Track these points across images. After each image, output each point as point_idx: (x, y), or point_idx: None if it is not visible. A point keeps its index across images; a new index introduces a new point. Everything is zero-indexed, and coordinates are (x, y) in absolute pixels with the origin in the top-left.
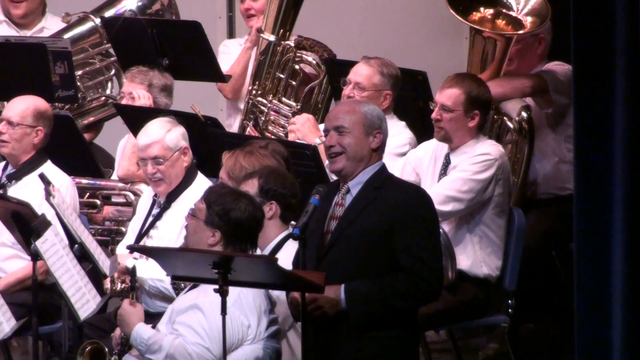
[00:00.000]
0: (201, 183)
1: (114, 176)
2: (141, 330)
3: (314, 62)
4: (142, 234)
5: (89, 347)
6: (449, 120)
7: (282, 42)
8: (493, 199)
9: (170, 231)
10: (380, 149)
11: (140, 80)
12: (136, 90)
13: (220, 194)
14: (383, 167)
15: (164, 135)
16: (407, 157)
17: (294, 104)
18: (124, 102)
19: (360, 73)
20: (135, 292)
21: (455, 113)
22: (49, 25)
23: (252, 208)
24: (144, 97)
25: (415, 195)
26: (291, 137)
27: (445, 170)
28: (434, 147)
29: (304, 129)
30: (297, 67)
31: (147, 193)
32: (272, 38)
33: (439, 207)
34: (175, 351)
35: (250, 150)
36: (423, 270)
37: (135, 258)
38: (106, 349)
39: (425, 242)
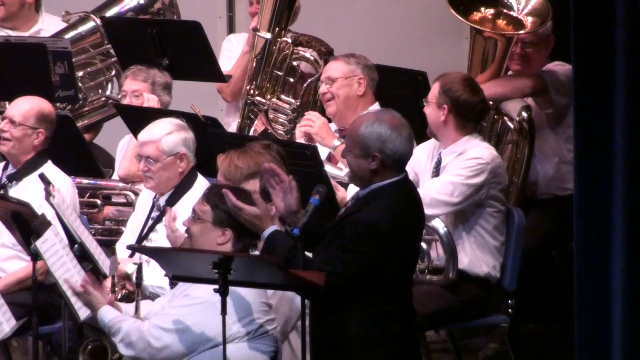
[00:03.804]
0: (201, 185)
1: (115, 176)
2: (104, 313)
3: (312, 58)
4: (142, 237)
5: (91, 345)
6: (427, 113)
7: (279, 39)
8: (488, 200)
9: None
10: (382, 169)
11: (143, 79)
12: (145, 93)
13: (222, 193)
14: (390, 185)
15: (162, 137)
16: None
17: (293, 100)
18: (125, 101)
19: (328, 68)
20: (140, 289)
21: (430, 105)
22: (46, 27)
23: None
24: (153, 100)
25: (365, 219)
26: (299, 135)
27: (438, 168)
28: (430, 147)
29: (322, 132)
30: (295, 63)
31: (146, 191)
32: (268, 36)
33: (427, 210)
34: (132, 334)
35: (244, 149)
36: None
37: (135, 263)
38: (109, 347)
39: (336, 259)
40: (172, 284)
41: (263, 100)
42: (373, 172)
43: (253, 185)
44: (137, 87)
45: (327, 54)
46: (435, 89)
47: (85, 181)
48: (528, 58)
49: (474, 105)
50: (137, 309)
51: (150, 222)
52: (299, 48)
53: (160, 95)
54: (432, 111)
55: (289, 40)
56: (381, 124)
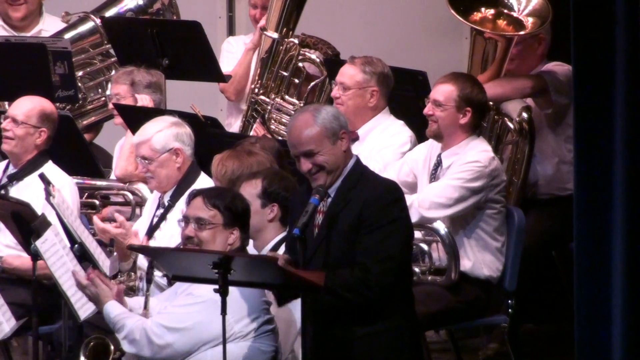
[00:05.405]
0: (204, 182)
1: (112, 176)
2: (110, 308)
3: (318, 60)
4: (148, 234)
5: (93, 342)
6: (441, 116)
7: (286, 39)
8: (487, 202)
9: (173, 231)
10: (348, 147)
11: (122, 81)
12: (137, 94)
13: (223, 195)
14: (355, 164)
15: (152, 136)
16: (405, 159)
17: (297, 101)
18: (111, 105)
19: (344, 73)
20: (151, 284)
21: (446, 108)
22: (47, 27)
23: (239, 194)
24: (146, 99)
25: (380, 193)
26: None
27: (436, 170)
28: (428, 148)
29: None
30: (300, 64)
31: (152, 195)
32: (275, 35)
33: (426, 213)
34: (135, 331)
35: (236, 150)
36: (374, 267)
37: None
38: (111, 345)
39: (381, 244)
40: (169, 284)
41: (267, 100)
42: (345, 151)
43: (254, 185)
44: (117, 91)
45: (333, 57)
46: (450, 92)
47: (82, 181)
48: (517, 56)
49: (489, 105)
50: (146, 303)
51: (155, 219)
52: (306, 49)
53: (141, 93)
54: (449, 114)
55: (296, 41)
56: (321, 109)
